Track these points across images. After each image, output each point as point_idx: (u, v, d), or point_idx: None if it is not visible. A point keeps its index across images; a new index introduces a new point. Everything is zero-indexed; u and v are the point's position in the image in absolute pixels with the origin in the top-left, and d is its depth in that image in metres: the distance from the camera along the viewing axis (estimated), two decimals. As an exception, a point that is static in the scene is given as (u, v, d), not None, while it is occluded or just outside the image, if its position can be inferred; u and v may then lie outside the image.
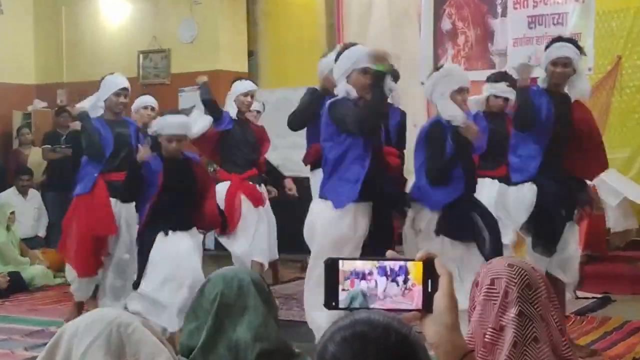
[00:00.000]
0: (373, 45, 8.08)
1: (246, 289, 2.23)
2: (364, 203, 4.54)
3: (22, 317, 6.41)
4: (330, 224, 4.54)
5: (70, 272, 6.06)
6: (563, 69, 4.85)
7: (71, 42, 10.53)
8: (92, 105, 5.89)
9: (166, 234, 4.97)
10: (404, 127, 5.73)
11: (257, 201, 6.40)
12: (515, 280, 1.97)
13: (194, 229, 5.19)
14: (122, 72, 9.33)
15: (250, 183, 6.44)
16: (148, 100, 6.67)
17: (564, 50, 4.83)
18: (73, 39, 10.49)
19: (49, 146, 9.20)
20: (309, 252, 4.75)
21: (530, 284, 1.97)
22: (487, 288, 2.00)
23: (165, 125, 5.04)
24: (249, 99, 6.47)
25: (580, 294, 6.14)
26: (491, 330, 1.96)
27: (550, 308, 1.97)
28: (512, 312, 1.94)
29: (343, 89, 4.52)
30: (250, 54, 9.76)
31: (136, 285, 4.98)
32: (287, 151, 8.83)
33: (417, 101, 8.16)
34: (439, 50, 8.29)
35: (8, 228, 7.84)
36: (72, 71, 10.52)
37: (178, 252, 4.94)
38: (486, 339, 1.96)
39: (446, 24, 8.25)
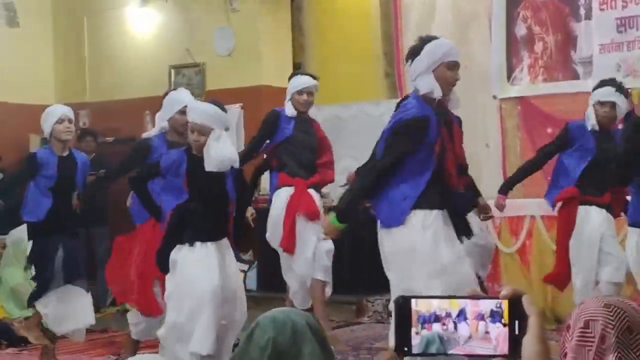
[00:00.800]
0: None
1: (301, 333, 2.23)
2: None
3: (41, 369, 6.51)
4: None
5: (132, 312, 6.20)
6: None
7: (94, 57, 10.72)
8: (155, 132, 6.05)
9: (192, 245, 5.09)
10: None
11: (314, 215, 6.44)
12: (614, 323, 1.94)
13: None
14: (151, 90, 9.62)
15: (312, 192, 6.49)
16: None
17: None
18: (96, 54, 10.67)
19: (70, 175, 9.33)
20: (363, 292, 4.83)
21: (631, 327, 1.93)
22: (581, 332, 1.97)
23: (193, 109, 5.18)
24: (304, 97, 6.47)
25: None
26: (586, 380, 1.94)
27: (655, 355, 1.94)
28: (610, 359, 1.92)
29: (428, 84, 4.60)
30: (296, 66, 9.79)
31: None
32: (338, 177, 8.85)
33: (489, 116, 8.14)
34: (513, 59, 8.24)
35: (26, 268, 7.94)
36: (96, 90, 10.69)
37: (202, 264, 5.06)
38: (580, 391, 1.94)
39: (521, 29, 8.21)
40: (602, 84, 5.87)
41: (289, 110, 6.49)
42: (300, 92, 6.44)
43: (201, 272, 4.97)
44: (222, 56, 9.77)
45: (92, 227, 9.31)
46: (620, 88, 5.72)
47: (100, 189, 7.09)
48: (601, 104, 5.77)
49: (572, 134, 5.88)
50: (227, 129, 5.22)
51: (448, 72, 4.67)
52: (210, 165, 4.99)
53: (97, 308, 9.12)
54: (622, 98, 5.65)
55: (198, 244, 5.05)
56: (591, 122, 5.80)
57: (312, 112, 8.97)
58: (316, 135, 6.61)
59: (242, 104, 9.34)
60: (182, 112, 5.70)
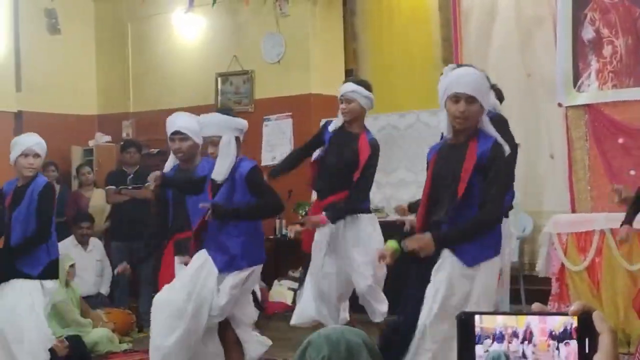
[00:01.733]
0: (497, 61, 8.10)
1: (357, 352, 2.24)
2: None
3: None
4: None
5: None
6: None
7: (138, 66, 10.85)
8: (170, 159, 6.17)
9: None
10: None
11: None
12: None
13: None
14: (198, 99, 9.72)
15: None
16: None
17: None
18: (141, 62, 10.80)
19: (114, 187, 9.39)
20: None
21: None
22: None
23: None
24: (343, 105, 6.40)
25: None
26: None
27: None
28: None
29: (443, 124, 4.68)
30: (349, 74, 9.80)
31: None
32: (392, 190, 8.84)
33: (554, 126, 8.09)
34: (580, 64, 8.15)
35: (67, 284, 8.02)
36: (140, 99, 10.82)
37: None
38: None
39: (588, 32, 8.12)
40: None
41: (336, 121, 6.49)
42: (340, 101, 6.44)
43: None
44: (271, 63, 9.83)
45: (135, 242, 9.38)
46: None
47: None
48: None
49: None
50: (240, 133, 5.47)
51: (453, 106, 4.58)
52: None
53: (141, 327, 9.26)
54: None
55: None
56: None
57: (366, 122, 9.02)
58: (355, 151, 6.47)
59: (291, 113, 9.39)
60: (172, 139, 5.96)
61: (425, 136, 8.68)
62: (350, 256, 6.25)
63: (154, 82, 10.61)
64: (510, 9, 8.59)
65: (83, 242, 9.11)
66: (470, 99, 4.53)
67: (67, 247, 8.80)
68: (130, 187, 9.35)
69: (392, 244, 4.77)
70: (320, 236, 6.28)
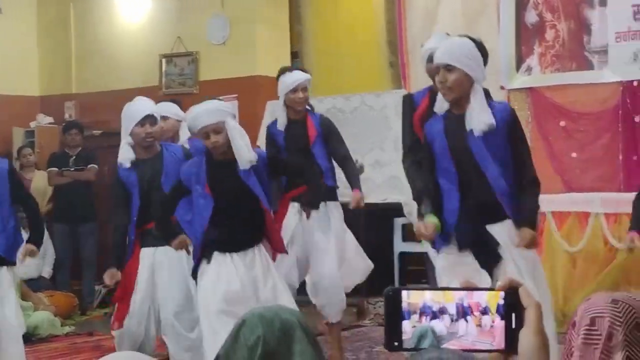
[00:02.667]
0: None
1: (291, 331, 2.22)
2: None
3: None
4: None
5: None
6: None
7: (81, 47, 10.72)
8: (123, 150, 5.73)
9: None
10: None
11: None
12: (621, 320, 1.92)
13: None
14: (141, 81, 9.61)
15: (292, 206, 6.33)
16: (165, 109, 6.43)
17: None
18: (83, 43, 10.67)
19: (56, 169, 9.34)
20: (365, 294, 4.77)
21: (640, 323, 1.93)
22: (587, 329, 1.96)
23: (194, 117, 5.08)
24: (299, 94, 6.09)
25: None
26: (593, 380, 1.93)
27: (665, 353, 1.93)
28: (618, 357, 1.91)
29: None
30: (294, 55, 9.79)
31: None
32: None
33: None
34: (523, 48, 8.22)
35: (7, 267, 7.94)
36: (83, 81, 10.70)
37: None
38: (587, 391, 1.93)
39: (531, 16, 8.19)
40: None
41: (281, 120, 6.29)
42: (294, 90, 6.22)
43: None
44: (216, 45, 9.76)
45: (79, 224, 9.29)
46: None
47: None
48: None
49: None
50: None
51: (436, 77, 4.59)
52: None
53: (84, 310, 9.17)
54: None
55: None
56: None
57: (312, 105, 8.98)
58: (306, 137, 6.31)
59: (237, 95, 9.34)
60: (142, 124, 5.59)
61: (370, 119, 8.70)
62: (317, 242, 6.10)
63: (97, 63, 10.49)
64: (455, -8, 8.62)
65: (24, 224, 8.97)
66: (449, 67, 4.51)
67: (8, 230, 8.73)
68: (72, 169, 9.28)
69: (433, 219, 4.63)
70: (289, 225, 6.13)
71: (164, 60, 10.12)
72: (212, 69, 9.74)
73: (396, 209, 8.00)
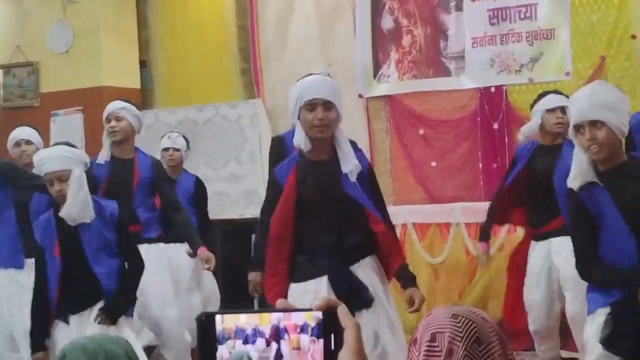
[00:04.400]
0: (296, 51, 8.12)
1: (118, 366, 2.16)
2: None
3: None
4: None
5: None
6: None
7: None
8: None
9: None
10: None
11: None
12: (462, 335, 1.96)
13: None
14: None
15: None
16: (19, 133, 6.76)
17: None
18: None
19: None
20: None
21: (480, 338, 1.97)
22: (428, 345, 1.99)
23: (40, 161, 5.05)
24: (112, 123, 6.26)
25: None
26: (434, 396, 1.95)
27: (505, 367, 1.97)
28: (459, 373, 1.93)
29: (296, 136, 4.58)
30: (143, 65, 9.68)
31: None
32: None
33: (355, 117, 8.16)
34: (380, 54, 8.29)
35: None
36: None
37: None
38: (428, 406, 1.95)
39: (387, 22, 8.27)
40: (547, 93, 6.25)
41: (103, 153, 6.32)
42: (108, 119, 6.33)
43: None
44: (59, 54, 9.54)
45: None
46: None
47: None
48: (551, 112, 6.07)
49: None
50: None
51: (308, 114, 4.49)
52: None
53: None
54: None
55: None
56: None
57: (164, 117, 8.88)
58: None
59: (82, 106, 9.17)
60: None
61: (225, 130, 8.66)
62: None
63: None
64: (308, -3, 8.65)
65: None
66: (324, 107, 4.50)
67: None
68: None
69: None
70: None
71: (1, 71, 9.82)
72: (54, 80, 9.50)
73: (254, 224, 7.97)
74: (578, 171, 4.27)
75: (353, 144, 4.91)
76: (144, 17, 9.71)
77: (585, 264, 4.30)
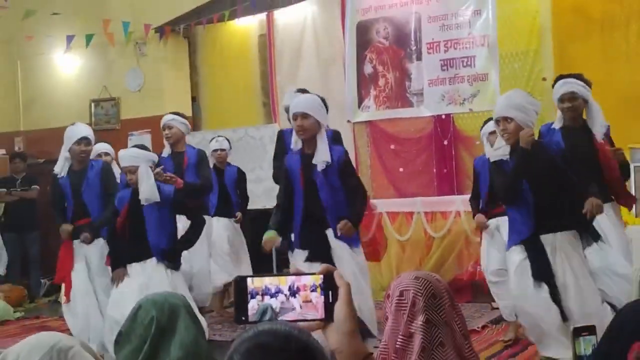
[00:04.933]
0: (303, 87, 8.11)
1: (177, 312, 2.17)
2: None
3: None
4: None
5: None
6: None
7: (27, 93, 10.33)
8: (61, 162, 5.62)
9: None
10: None
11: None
12: (422, 291, 1.96)
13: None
14: (76, 120, 9.26)
15: None
16: (100, 147, 6.61)
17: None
18: (29, 90, 10.28)
19: (4, 190, 9.00)
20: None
21: (435, 293, 1.96)
22: (397, 299, 1.99)
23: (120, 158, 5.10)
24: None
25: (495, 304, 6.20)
26: (401, 337, 1.95)
27: (453, 315, 1.97)
28: (420, 320, 1.93)
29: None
30: (193, 99, 9.68)
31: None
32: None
33: (345, 137, 8.07)
34: (363, 91, 8.32)
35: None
36: (29, 120, 10.30)
37: None
38: (397, 346, 1.95)
39: (368, 68, 8.29)
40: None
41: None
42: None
43: None
44: (133, 92, 9.55)
45: (24, 232, 9.00)
46: None
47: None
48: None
49: None
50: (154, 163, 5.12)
51: (294, 123, 4.65)
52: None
53: (32, 298, 8.82)
54: None
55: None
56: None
57: (208, 136, 8.86)
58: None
59: (150, 129, 9.16)
60: (78, 142, 5.50)
61: (252, 146, 8.65)
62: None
63: (40, 107, 10.14)
64: (311, 51, 8.64)
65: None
66: (305, 115, 4.58)
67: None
68: (19, 189, 8.98)
69: (269, 234, 4.73)
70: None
71: (93, 104, 9.84)
72: (130, 111, 9.54)
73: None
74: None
75: (337, 135, 4.94)
76: (194, 66, 9.72)
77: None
